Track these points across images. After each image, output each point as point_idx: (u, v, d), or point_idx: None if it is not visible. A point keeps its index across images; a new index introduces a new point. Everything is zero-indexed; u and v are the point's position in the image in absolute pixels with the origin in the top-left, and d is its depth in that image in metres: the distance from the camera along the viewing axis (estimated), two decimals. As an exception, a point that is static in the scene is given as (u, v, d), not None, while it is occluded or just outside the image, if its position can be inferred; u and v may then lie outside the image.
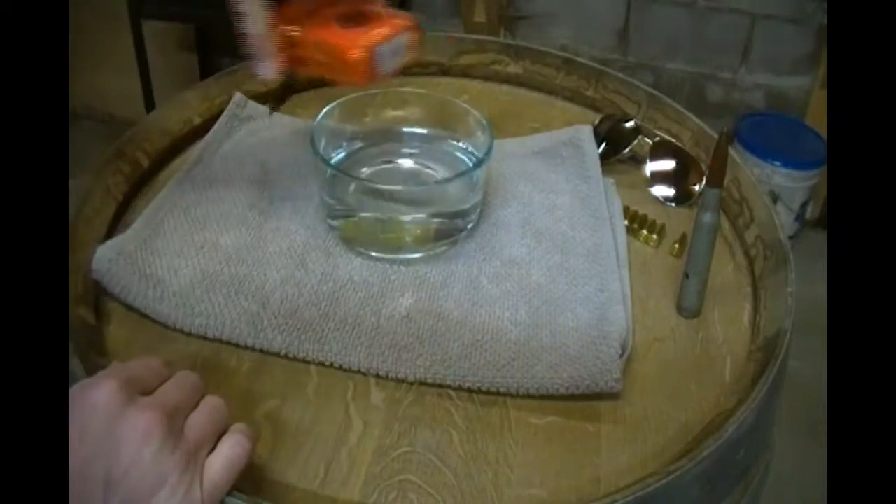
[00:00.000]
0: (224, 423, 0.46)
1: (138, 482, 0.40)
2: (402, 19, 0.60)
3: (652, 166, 0.74)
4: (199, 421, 0.45)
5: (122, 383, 0.42)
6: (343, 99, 0.66)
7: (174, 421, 0.43)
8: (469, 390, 0.55)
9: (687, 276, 0.60)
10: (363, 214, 0.64)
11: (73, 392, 0.42)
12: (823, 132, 1.78)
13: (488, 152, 0.62)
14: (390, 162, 0.68)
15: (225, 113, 0.76)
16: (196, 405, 0.46)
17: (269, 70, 0.57)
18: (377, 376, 0.56)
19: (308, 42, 0.57)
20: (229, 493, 0.44)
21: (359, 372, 0.56)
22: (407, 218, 0.63)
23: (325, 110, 0.65)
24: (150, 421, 0.41)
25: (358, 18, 0.58)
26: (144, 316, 0.58)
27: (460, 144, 0.67)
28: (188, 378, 0.47)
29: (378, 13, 0.60)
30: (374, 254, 0.63)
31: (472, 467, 0.51)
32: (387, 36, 0.58)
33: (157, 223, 0.64)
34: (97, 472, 0.40)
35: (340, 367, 0.56)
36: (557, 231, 0.66)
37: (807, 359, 1.08)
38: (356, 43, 0.57)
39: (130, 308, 0.59)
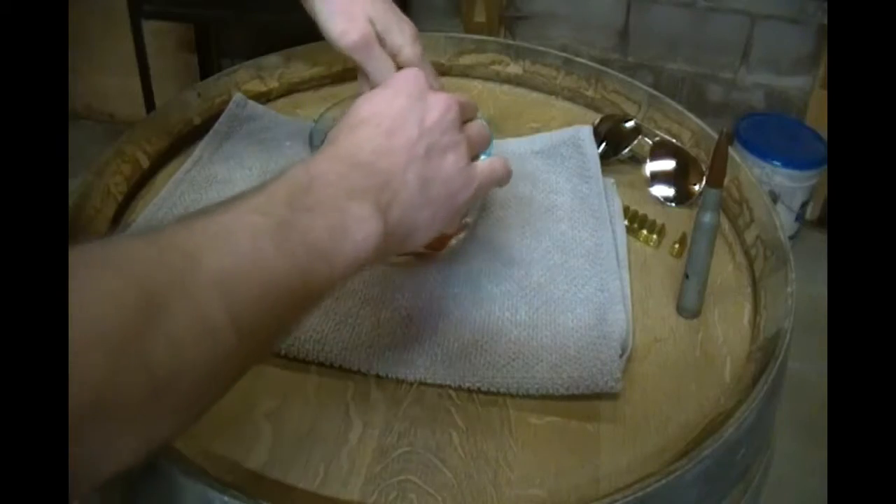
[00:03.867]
0: (485, 147, 0.55)
1: (440, 136, 0.49)
2: None
3: (652, 166, 0.74)
4: (475, 127, 0.54)
5: (422, 77, 0.52)
6: (343, 99, 0.66)
7: (461, 111, 0.52)
8: (469, 390, 0.55)
9: (687, 276, 0.60)
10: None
11: (384, 84, 0.53)
12: (823, 132, 1.78)
13: (488, 152, 0.62)
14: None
15: (225, 113, 0.76)
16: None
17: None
18: (377, 376, 0.56)
19: None
20: (229, 495, 0.44)
21: (359, 372, 0.56)
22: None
23: (324, 110, 0.65)
24: (452, 100, 0.51)
25: None
26: (144, 316, 0.58)
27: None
28: (470, 100, 0.55)
29: None
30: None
31: (472, 467, 0.51)
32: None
33: (156, 223, 0.64)
34: (414, 117, 0.49)
35: (340, 367, 0.56)
36: (557, 231, 0.66)
37: (807, 359, 1.08)
38: None
39: (130, 308, 0.59)
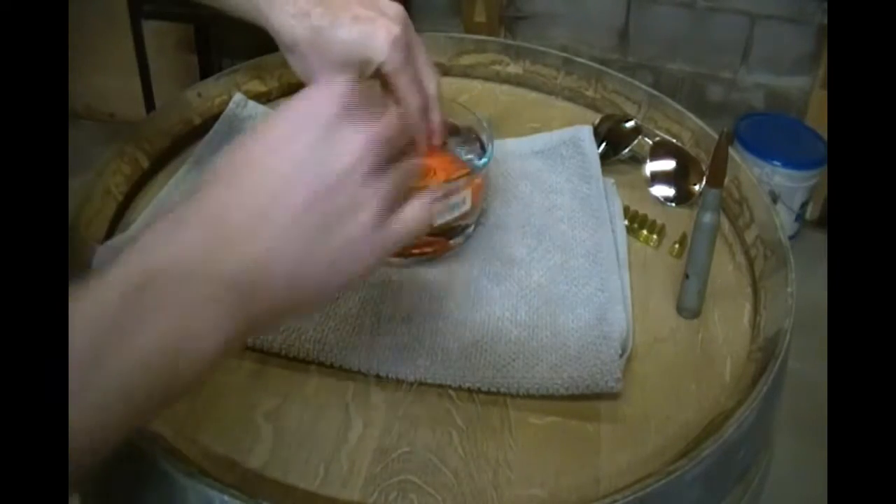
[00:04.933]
0: (412, 183, 0.46)
1: (345, 196, 0.41)
2: (462, 173, 0.61)
3: (652, 166, 0.74)
4: (404, 170, 0.44)
5: (352, 91, 0.42)
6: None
7: (384, 152, 0.43)
8: (469, 390, 0.55)
9: (687, 276, 0.60)
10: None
11: (292, 99, 0.43)
12: (823, 132, 1.78)
13: (489, 153, 0.62)
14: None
15: (225, 113, 0.76)
16: (402, 152, 0.45)
17: None
18: (377, 376, 0.56)
19: None
20: (229, 494, 0.44)
21: (359, 372, 0.56)
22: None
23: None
24: (373, 140, 0.42)
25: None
26: (144, 316, 0.58)
27: (460, 147, 0.67)
28: (403, 117, 0.46)
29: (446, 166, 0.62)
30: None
31: (472, 467, 0.51)
32: (442, 196, 0.59)
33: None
34: (313, 168, 0.40)
35: (340, 368, 0.56)
36: (557, 231, 0.66)
37: (807, 359, 1.07)
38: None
39: (130, 308, 0.58)
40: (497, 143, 0.64)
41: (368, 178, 0.42)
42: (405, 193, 0.45)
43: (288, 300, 0.41)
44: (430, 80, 0.59)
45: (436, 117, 0.60)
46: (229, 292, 0.38)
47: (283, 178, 0.40)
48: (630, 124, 0.76)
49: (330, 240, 0.41)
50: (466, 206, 0.62)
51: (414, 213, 0.44)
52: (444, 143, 0.64)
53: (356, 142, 0.41)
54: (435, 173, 0.61)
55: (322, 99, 0.42)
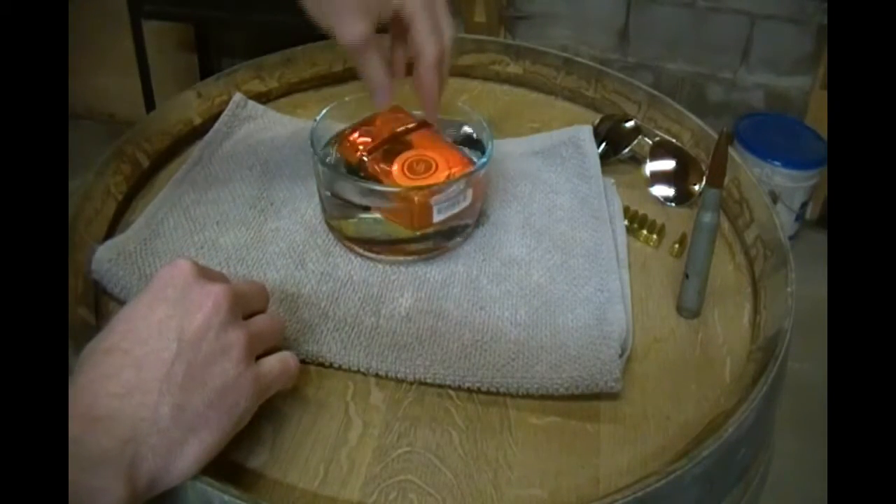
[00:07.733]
0: (278, 340, 0.51)
1: (205, 346, 0.44)
2: (461, 166, 0.62)
3: (652, 166, 0.74)
4: (261, 320, 0.50)
5: (196, 265, 0.47)
6: (343, 99, 0.66)
7: (240, 302, 0.47)
8: (469, 390, 0.55)
9: (687, 276, 0.60)
10: (362, 215, 0.64)
11: (154, 275, 0.47)
12: (823, 132, 1.78)
13: (488, 155, 0.62)
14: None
15: (225, 113, 0.76)
16: (260, 312, 0.51)
17: (384, 101, 0.61)
18: (377, 376, 0.56)
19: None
20: (229, 494, 0.44)
21: (358, 372, 0.56)
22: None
23: (325, 110, 0.65)
24: (221, 293, 0.46)
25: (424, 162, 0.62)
26: (144, 316, 0.58)
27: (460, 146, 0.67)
28: (259, 284, 0.53)
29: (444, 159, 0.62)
30: (373, 254, 0.63)
31: (472, 467, 0.51)
32: (443, 189, 0.60)
33: (156, 223, 0.64)
34: (171, 331, 0.44)
35: (340, 368, 0.56)
36: (557, 231, 0.66)
37: (807, 359, 1.08)
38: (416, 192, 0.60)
39: (130, 308, 0.58)
40: (497, 143, 0.64)
41: (226, 327, 0.45)
42: (272, 344, 0.50)
43: (175, 454, 0.43)
44: (447, 30, 0.59)
45: (445, 71, 0.61)
46: (107, 462, 0.40)
47: (145, 348, 0.44)
48: (630, 124, 0.76)
49: (204, 385, 0.44)
50: (467, 202, 0.62)
51: (280, 359, 0.50)
52: (438, 130, 0.64)
53: (209, 299, 0.45)
54: (437, 166, 0.61)
55: (174, 270, 0.47)
